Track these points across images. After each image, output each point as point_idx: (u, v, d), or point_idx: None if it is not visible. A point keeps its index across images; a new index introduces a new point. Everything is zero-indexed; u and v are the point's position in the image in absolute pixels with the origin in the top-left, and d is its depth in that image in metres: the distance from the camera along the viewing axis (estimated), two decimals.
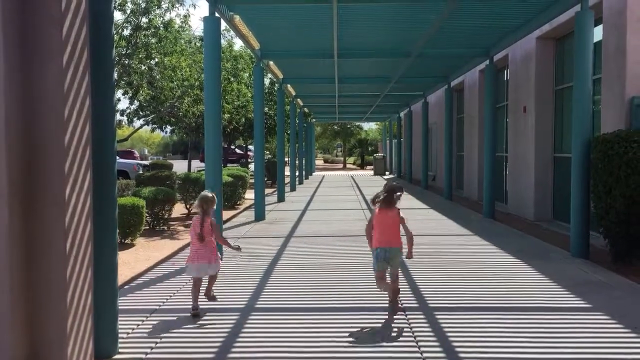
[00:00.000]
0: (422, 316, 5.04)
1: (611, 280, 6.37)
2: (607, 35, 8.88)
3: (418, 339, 4.44)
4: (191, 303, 5.18)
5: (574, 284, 6.13)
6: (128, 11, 12.65)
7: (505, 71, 14.79)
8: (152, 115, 17.07)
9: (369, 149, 59.28)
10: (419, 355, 4.10)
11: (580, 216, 7.80)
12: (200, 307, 5.24)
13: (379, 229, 5.17)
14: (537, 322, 4.83)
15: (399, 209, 5.23)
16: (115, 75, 13.01)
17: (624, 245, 7.18)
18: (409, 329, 4.68)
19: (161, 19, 13.07)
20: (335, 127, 59.03)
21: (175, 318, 5.08)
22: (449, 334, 4.53)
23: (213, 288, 5.48)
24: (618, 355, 4.09)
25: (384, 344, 4.35)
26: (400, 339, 4.46)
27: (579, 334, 4.55)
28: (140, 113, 17.23)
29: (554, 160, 12.07)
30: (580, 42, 7.81)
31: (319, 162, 68.71)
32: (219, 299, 5.52)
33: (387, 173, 36.86)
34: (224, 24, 10.28)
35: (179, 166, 30.46)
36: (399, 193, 5.19)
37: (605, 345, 4.29)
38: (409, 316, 5.04)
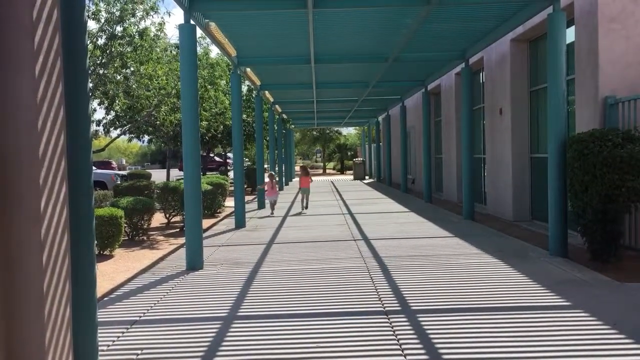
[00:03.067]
0: (404, 319, 5.04)
1: (589, 277, 6.45)
2: (579, 36, 9.02)
3: (401, 342, 4.45)
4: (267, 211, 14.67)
5: (553, 283, 6.19)
6: (102, 20, 12.53)
7: (481, 74, 14.95)
8: (129, 125, 16.92)
9: (349, 153, 59.38)
10: (402, 358, 4.10)
11: (558, 215, 7.89)
12: (183, 316, 5.28)
13: (303, 182, 15.70)
14: (518, 321, 4.87)
15: (310, 174, 16.57)
16: (91, 85, 12.89)
17: (601, 243, 7.27)
18: (391, 333, 4.68)
19: (136, 27, 12.97)
20: (315, 133, 59.10)
21: (156, 329, 5.02)
22: (432, 336, 4.54)
23: (275, 208, 15.05)
24: (598, 352, 4.13)
25: (367, 348, 4.34)
26: (383, 342, 4.46)
27: (559, 331, 4.59)
28: (117, 123, 17.07)
29: (530, 160, 12.21)
30: (553, 44, 7.93)
31: (298, 168, 68.64)
32: (202, 306, 5.55)
33: (366, 177, 36.95)
34: (199, 32, 10.24)
35: (158, 175, 30.20)
36: (308, 170, 16.52)
37: (586, 342, 4.34)
38: (391, 319, 5.04)
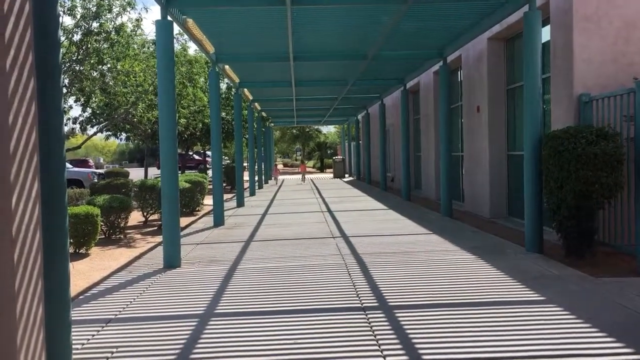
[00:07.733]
0: (382, 315, 5.06)
1: (564, 273, 6.54)
2: (555, 35, 9.13)
3: (378, 337, 4.46)
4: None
5: (529, 278, 6.26)
6: (78, 16, 12.36)
7: (459, 72, 15.06)
8: (106, 122, 16.73)
9: (328, 152, 59.48)
10: (379, 353, 4.12)
11: (534, 212, 7.98)
12: (160, 314, 5.23)
13: (302, 168, 33.79)
14: (494, 316, 4.92)
15: (305, 164, 41.23)
16: (67, 81, 12.71)
17: (576, 239, 7.38)
18: (369, 328, 4.69)
19: (112, 23, 12.82)
20: (294, 131, 59.09)
21: (132, 327, 4.97)
22: (409, 332, 4.56)
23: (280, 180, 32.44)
24: (573, 345, 4.19)
25: (344, 344, 4.35)
26: (361, 338, 4.47)
27: (535, 326, 4.64)
28: (94, 120, 16.86)
29: (507, 158, 12.34)
30: (529, 42, 8.01)
31: (278, 166, 68.50)
32: (179, 304, 5.52)
33: (346, 175, 37.01)
34: (177, 28, 10.15)
35: (136, 174, 29.91)
36: (304, 162, 41.58)
37: (561, 336, 4.39)
38: (369, 315, 5.05)
